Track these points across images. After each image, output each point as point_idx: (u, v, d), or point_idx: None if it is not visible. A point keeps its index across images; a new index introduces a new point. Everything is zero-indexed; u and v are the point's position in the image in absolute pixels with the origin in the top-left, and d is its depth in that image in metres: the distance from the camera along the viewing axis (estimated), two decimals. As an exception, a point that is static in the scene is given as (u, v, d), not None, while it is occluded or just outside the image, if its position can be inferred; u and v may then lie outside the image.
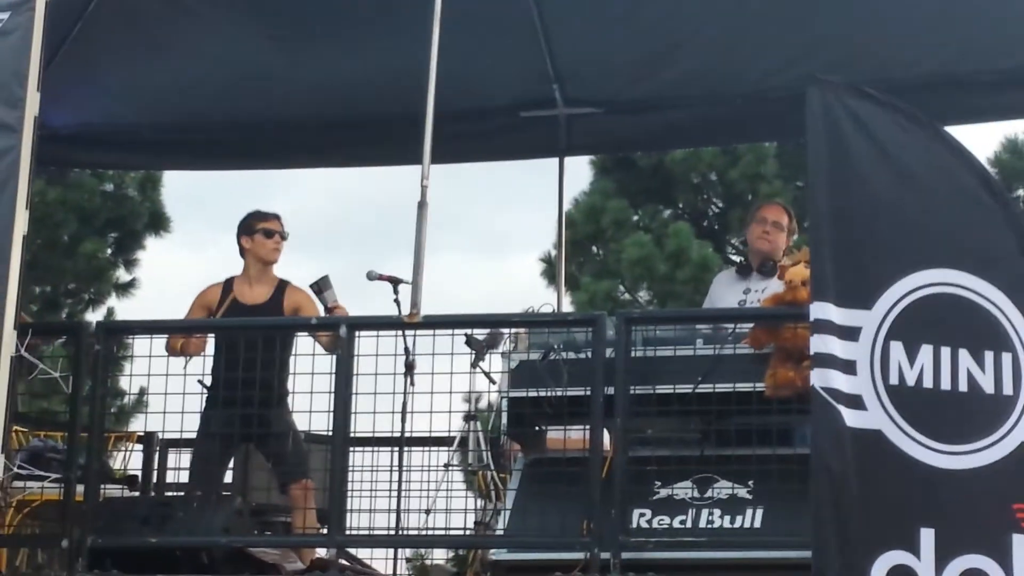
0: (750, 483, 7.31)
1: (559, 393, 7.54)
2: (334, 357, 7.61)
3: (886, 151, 5.55)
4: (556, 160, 10.56)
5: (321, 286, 8.56)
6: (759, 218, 8.65)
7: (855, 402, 5.33)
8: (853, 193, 5.48)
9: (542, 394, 7.59)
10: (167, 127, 10.29)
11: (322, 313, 8.56)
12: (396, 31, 9.31)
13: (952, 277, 5.50)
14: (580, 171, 19.70)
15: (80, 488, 7.75)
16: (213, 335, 8.39)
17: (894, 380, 5.36)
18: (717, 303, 8.53)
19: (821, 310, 5.34)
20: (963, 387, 5.44)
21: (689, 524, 7.31)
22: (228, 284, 8.80)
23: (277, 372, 8.21)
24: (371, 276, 8.55)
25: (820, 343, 5.33)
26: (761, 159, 18.73)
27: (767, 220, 8.61)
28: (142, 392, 10.11)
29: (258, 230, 8.79)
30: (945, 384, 5.42)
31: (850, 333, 5.36)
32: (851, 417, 5.31)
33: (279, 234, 8.81)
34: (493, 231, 35.37)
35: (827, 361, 5.32)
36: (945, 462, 5.38)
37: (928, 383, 5.40)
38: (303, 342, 8.21)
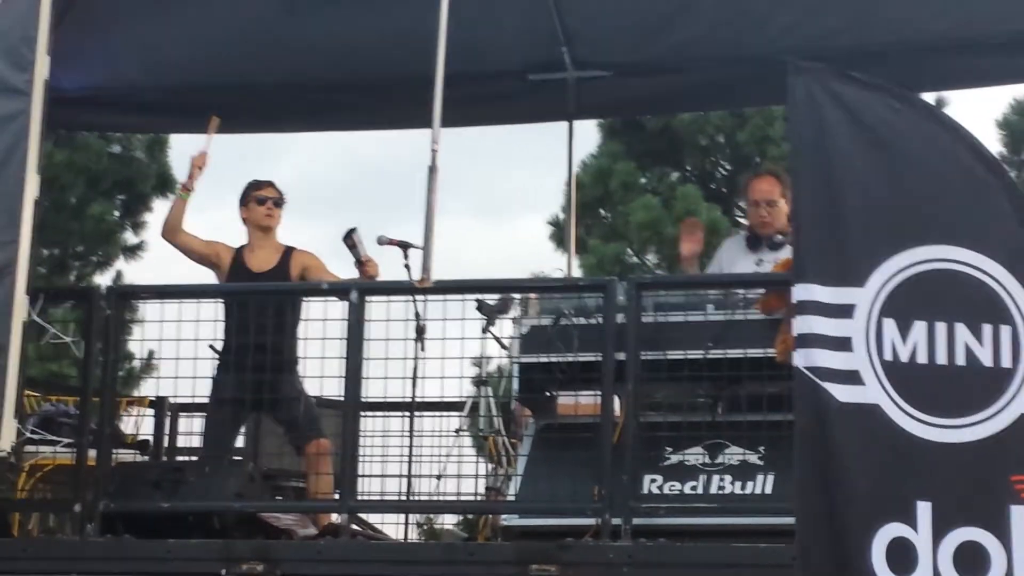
0: (761, 449, 7.33)
1: (570, 359, 7.53)
2: (346, 323, 7.59)
3: (876, 133, 5.58)
4: (559, 123, 10.52)
5: (354, 240, 8.53)
6: (752, 200, 8.39)
7: (851, 378, 5.38)
8: (842, 177, 5.52)
9: (553, 360, 7.59)
10: (175, 90, 10.24)
11: (334, 272, 8.54)
12: (405, -7, 9.27)
13: (948, 253, 5.52)
14: (588, 134, 19.69)
15: (92, 452, 7.76)
16: (223, 300, 8.38)
17: (888, 356, 5.41)
18: (727, 270, 8.41)
19: (805, 291, 5.42)
20: (960, 361, 5.46)
21: (700, 490, 7.33)
22: (239, 252, 8.78)
23: (287, 337, 8.21)
24: (381, 241, 8.54)
25: (803, 324, 5.40)
26: (769, 122, 18.71)
27: (760, 202, 8.32)
28: (151, 356, 10.10)
29: (252, 199, 8.79)
30: (941, 359, 5.44)
31: (843, 311, 5.42)
32: (845, 393, 5.37)
33: (271, 200, 8.79)
34: (496, 194, 35.35)
35: (811, 341, 5.39)
36: (941, 436, 5.41)
37: (922, 359, 5.44)
38: (315, 307, 8.20)
